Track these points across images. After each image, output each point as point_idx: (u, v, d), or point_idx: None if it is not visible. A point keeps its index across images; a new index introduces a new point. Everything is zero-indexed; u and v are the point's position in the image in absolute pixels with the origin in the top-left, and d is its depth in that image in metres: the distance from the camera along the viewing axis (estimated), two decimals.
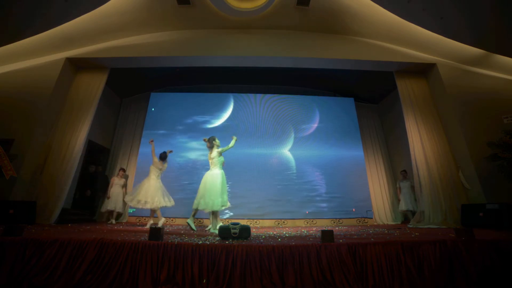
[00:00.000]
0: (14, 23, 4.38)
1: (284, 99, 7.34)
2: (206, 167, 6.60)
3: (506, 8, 3.94)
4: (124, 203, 5.96)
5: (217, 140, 4.21)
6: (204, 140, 4.28)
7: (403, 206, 5.92)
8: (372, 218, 6.22)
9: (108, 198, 5.67)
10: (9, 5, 4.02)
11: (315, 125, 7.11)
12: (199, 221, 5.93)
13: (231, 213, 5.98)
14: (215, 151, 4.10)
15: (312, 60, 5.69)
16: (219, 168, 4.04)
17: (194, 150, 6.76)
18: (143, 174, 6.43)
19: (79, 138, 5.05)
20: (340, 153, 6.86)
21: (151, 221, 4.61)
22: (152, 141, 4.86)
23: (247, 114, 7.12)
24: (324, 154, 6.82)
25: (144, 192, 4.43)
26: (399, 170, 6.55)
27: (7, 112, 4.73)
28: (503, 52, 4.80)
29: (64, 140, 4.98)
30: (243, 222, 5.19)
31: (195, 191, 6.13)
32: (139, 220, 6.02)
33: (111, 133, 7.22)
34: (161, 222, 4.41)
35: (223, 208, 3.94)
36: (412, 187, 5.83)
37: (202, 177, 4.07)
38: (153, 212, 4.61)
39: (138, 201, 4.37)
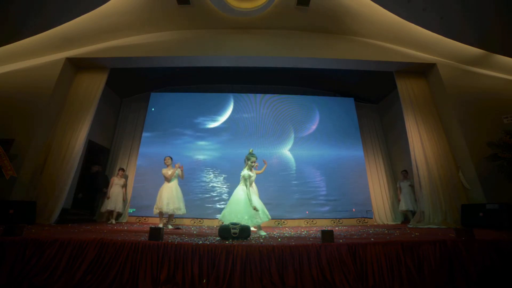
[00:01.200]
0: (12, 23, 4.37)
1: (284, 99, 7.34)
2: (201, 167, 6.63)
3: (508, 7, 3.92)
4: (124, 203, 5.97)
5: (249, 162, 3.72)
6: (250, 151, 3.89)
7: (403, 206, 5.92)
8: (372, 218, 6.22)
9: (108, 198, 5.67)
10: (6, 4, 4.00)
11: (315, 125, 7.11)
12: (199, 221, 5.94)
13: None
14: (244, 171, 3.68)
15: (312, 60, 5.69)
16: (242, 185, 3.69)
17: (194, 150, 6.76)
18: (143, 174, 6.47)
19: (79, 138, 5.05)
20: (340, 153, 6.86)
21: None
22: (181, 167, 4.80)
23: (247, 114, 7.12)
24: (324, 154, 6.82)
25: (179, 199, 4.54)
26: (399, 170, 6.55)
27: (7, 112, 4.73)
28: (506, 53, 4.78)
29: (64, 140, 4.98)
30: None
31: (189, 192, 6.18)
32: (139, 220, 6.02)
33: (111, 133, 7.22)
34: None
35: (259, 223, 3.54)
36: (413, 187, 5.83)
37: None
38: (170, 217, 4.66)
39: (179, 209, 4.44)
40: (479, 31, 4.54)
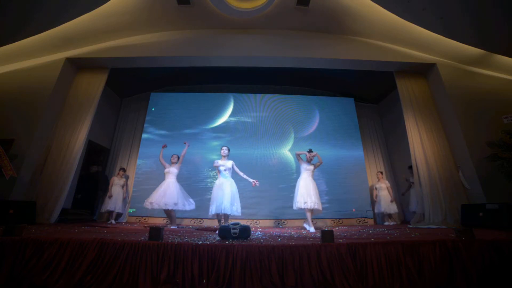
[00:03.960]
0: (12, 23, 4.36)
1: (284, 99, 7.33)
2: (201, 167, 6.63)
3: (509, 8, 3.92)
4: (125, 203, 5.97)
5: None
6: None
7: (380, 208, 5.93)
8: (372, 218, 6.22)
9: (110, 197, 5.65)
10: (6, 4, 3.97)
11: (315, 125, 7.11)
12: (199, 220, 5.93)
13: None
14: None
15: (312, 60, 5.69)
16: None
17: (194, 150, 6.74)
18: (143, 174, 6.47)
19: (79, 138, 5.04)
20: (340, 153, 6.85)
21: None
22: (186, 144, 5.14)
23: (247, 114, 7.11)
24: (324, 154, 6.75)
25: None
26: (398, 170, 6.55)
27: (7, 112, 4.73)
28: (506, 53, 4.77)
29: (64, 140, 4.98)
30: (243, 222, 5.18)
31: (189, 192, 6.16)
32: (139, 220, 6.02)
33: (111, 133, 7.22)
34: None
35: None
36: (387, 189, 5.91)
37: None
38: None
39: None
40: (480, 30, 4.53)
